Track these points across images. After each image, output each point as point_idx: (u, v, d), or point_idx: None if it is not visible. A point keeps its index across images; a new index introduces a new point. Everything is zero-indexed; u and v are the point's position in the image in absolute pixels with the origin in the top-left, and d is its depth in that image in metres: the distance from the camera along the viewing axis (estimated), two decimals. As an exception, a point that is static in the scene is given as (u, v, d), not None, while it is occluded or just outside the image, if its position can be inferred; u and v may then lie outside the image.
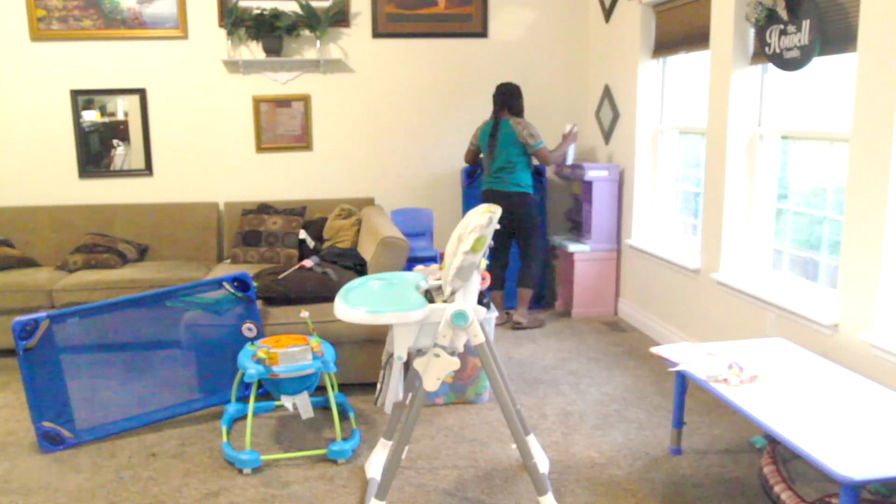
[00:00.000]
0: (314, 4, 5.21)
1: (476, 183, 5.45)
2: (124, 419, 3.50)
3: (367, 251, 4.21)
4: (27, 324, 3.22)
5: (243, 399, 3.65)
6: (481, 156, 5.08)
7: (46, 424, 3.30)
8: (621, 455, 3.24)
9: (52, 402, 3.33)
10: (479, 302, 3.25)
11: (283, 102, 5.38)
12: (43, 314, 3.27)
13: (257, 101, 5.35)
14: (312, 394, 3.37)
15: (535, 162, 5.01)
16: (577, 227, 5.59)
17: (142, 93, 5.22)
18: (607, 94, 5.37)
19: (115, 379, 3.55)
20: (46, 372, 3.31)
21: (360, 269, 4.20)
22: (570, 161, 5.13)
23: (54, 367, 3.33)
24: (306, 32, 5.27)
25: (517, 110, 4.91)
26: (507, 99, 4.88)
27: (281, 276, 3.90)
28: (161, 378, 3.62)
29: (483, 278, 2.93)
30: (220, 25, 5.20)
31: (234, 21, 5.12)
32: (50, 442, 3.31)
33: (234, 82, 5.32)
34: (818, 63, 3.37)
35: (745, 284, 3.81)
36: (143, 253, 5.06)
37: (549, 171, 5.71)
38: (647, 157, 5.00)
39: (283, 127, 5.42)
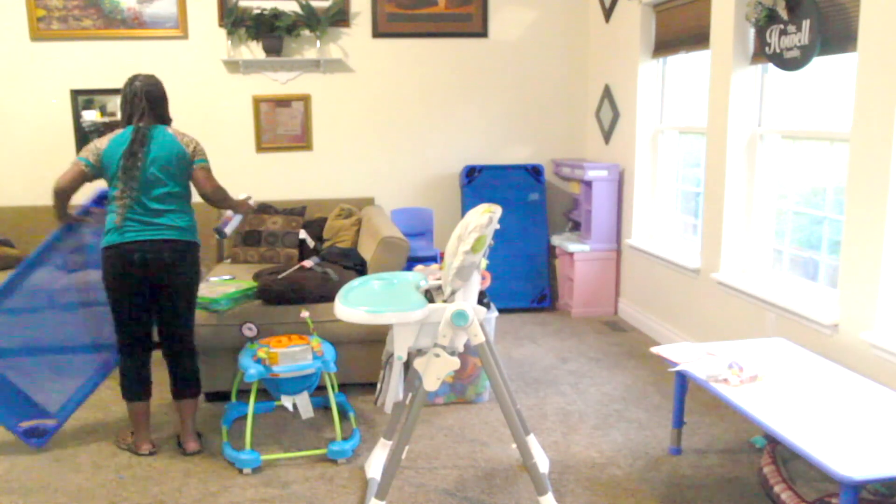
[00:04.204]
0: (314, 4, 5.21)
1: (476, 182, 5.45)
2: (87, 380, 3.50)
3: (367, 251, 4.21)
4: None
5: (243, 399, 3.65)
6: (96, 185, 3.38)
7: (23, 425, 3.30)
8: (621, 455, 3.24)
9: (13, 404, 3.31)
10: (479, 302, 3.26)
11: (283, 102, 5.38)
12: None
13: (257, 101, 5.35)
14: (312, 394, 3.37)
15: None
16: (577, 227, 5.59)
17: (142, 93, 5.22)
18: (607, 94, 5.37)
19: (52, 352, 3.51)
20: None
21: (360, 269, 4.20)
22: (228, 231, 3.61)
23: None
24: (306, 32, 5.27)
25: (168, 118, 3.33)
26: (158, 102, 3.25)
27: (281, 276, 3.90)
28: (92, 330, 3.55)
29: (483, 278, 2.93)
30: (220, 25, 5.20)
31: (234, 21, 5.12)
32: (36, 437, 3.30)
33: (234, 82, 5.32)
34: (818, 63, 3.37)
35: (745, 284, 3.81)
36: (142, 253, 5.04)
37: (548, 171, 5.71)
38: (647, 157, 5.00)
39: (283, 127, 5.42)
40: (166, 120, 3.29)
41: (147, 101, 3.18)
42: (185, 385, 3.33)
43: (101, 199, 3.43)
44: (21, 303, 3.43)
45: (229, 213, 3.59)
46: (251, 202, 3.61)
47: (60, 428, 3.40)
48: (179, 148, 3.19)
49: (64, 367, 3.51)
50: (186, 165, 3.22)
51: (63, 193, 3.18)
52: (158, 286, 3.20)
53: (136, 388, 3.26)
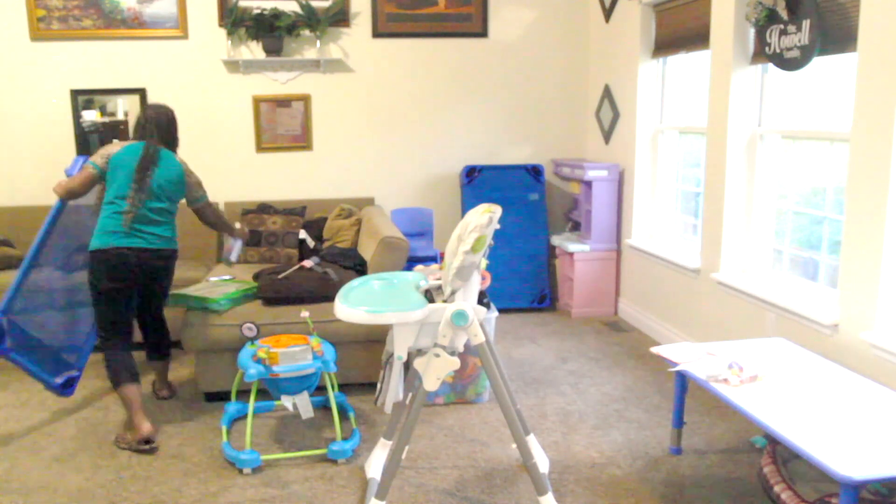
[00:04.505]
0: (314, 4, 5.21)
1: (476, 182, 5.45)
2: (91, 329, 3.83)
3: (367, 251, 4.21)
4: None
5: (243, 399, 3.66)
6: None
7: (58, 379, 3.52)
8: (621, 455, 3.24)
9: (48, 363, 3.53)
10: (479, 302, 3.26)
11: (283, 102, 5.38)
12: None
13: (257, 101, 5.35)
14: (312, 394, 3.37)
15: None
16: (577, 227, 5.59)
17: (142, 93, 5.22)
18: (607, 94, 5.37)
19: (66, 309, 3.83)
20: (29, 348, 3.46)
21: (360, 269, 4.20)
22: (234, 258, 4.00)
23: (29, 340, 3.48)
24: (306, 32, 5.27)
25: (175, 145, 3.66)
26: (166, 128, 3.58)
27: (281, 276, 3.91)
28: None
29: (483, 278, 2.93)
30: (220, 25, 5.20)
31: (234, 21, 5.11)
32: (69, 387, 3.58)
33: (234, 82, 5.32)
34: (818, 63, 3.37)
35: (745, 284, 3.81)
36: (142, 253, 5.06)
37: (548, 171, 5.72)
38: (647, 157, 5.00)
39: (283, 127, 5.42)
40: (173, 145, 3.64)
41: (156, 127, 3.55)
42: (160, 348, 3.84)
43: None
44: (45, 273, 3.74)
45: (230, 241, 4.02)
46: (245, 230, 4.12)
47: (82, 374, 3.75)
48: (182, 178, 3.56)
49: (75, 321, 3.84)
50: (183, 192, 3.60)
51: (72, 196, 3.54)
52: (144, 285, 3.57)
53: (125, 373, 3.43)
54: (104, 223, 3.40)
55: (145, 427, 3.32)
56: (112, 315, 3.46)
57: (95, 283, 3.42)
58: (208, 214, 3.74)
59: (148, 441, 3.30)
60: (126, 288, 3.46)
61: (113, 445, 3.36)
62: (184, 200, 3.65)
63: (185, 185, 3.58)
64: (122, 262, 3.38)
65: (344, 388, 3.88)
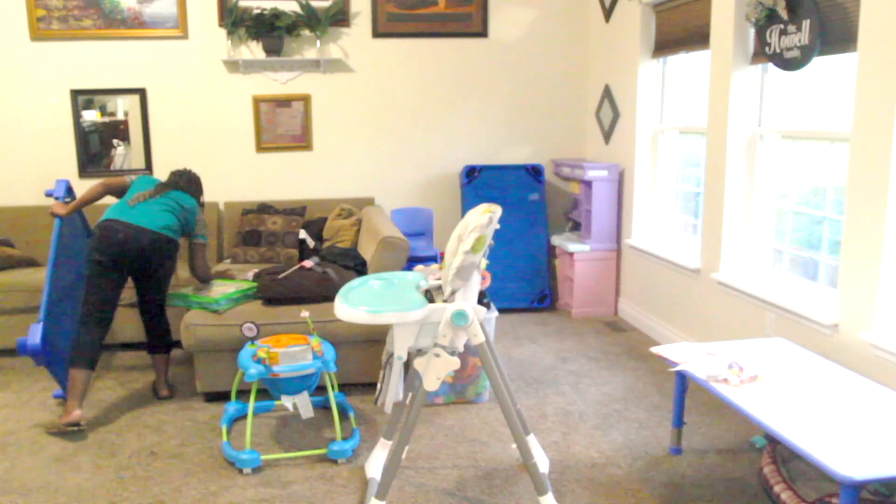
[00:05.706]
0: (314, 4, 5.21)
1: (476, 182, 5.45)
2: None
3: (367, 251, 4.21)
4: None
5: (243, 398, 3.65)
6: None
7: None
8: (621, 455, 3.24)
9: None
10: (479, 302, 3.26)
11: (283, 102, 5.38)
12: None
13: (257, 101, 5.35)
14: (312, 394, 3.36)
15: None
16: (577, 227, 5.59)
17: (142, 93, 5.22)
18: (607, 94, 5.37)
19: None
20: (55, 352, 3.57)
21: (360, 269, 4.20)
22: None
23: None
24: (306, 32, 5.27)
25: (197, 198, 4.00)
26: (195, 182, 4.00)
27: (281, 276, 3.91)
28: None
29: (483, 278, 2.94)
30: (220, 25, 5.20)
31: (234, 21, 5.12)
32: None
33: (234, 82, 5.32)
34: (818, 63, 3.37)
35: (745, 284, 3.81)
36: (142, 253, 5.07)
37: (548, 171, 5.72)
38: (647, 157, 5.00)
39: (283, 127, 5.42)
40: (196, 197, 3.94)
41: (181, 177, 3.92)
42: (160, 343, 3.89)
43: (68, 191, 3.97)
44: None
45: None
46: (230, 274, 4.29)
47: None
48: (194, 209, 3.85)
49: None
50: (192, 221, 3.82)
51: (107, 192, 3.82)
52: (135, 271, 3.68)
53: (83, 356, 3.52)
54: (115, 205, 3.72)
55: (75, 413, 3.43)
56: (92, 291, 3.58)
57: (88, 256, 3.60)
58: (198, 255, 3.90)
59: (76, 424, 3.41)
60: (111, 265, 3.55)
61: (112, 445, 3.36)
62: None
63: (194, 217, 3.83)
64: (109, 234, 3.55)
65: (344, 388, 3.88)
